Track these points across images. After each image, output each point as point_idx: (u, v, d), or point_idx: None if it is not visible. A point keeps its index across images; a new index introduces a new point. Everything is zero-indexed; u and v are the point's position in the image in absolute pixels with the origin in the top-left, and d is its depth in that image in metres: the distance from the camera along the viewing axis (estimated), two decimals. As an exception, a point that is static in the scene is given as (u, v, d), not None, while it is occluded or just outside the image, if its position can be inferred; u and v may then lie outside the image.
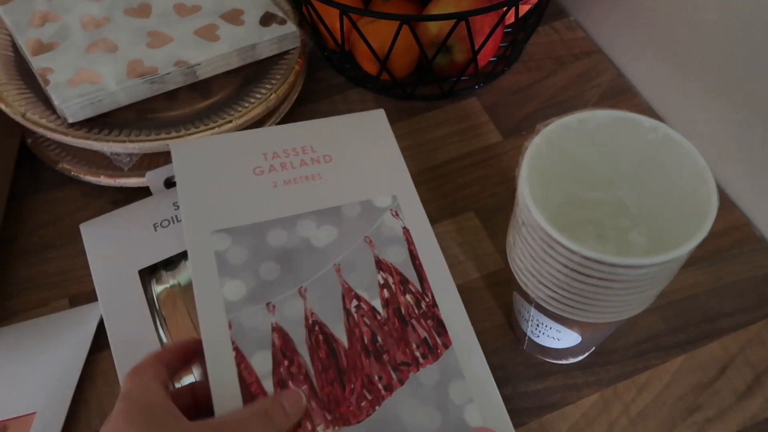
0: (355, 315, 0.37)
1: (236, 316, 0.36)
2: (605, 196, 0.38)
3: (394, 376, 0.36)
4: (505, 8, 0.49)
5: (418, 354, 0.36)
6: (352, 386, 0.35)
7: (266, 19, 0.56)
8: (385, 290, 0.37)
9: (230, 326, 0.36)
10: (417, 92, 0.60)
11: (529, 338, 0.43)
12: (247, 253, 0.38)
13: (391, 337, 0.36)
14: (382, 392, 0.35)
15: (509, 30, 0.62)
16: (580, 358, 0.45)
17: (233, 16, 0.56)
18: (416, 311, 0.37)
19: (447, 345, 0.37)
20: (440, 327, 0.37)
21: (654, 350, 0.46)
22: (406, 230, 0.40)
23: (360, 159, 0.43)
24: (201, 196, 0.40)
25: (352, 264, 0.39)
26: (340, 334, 0.36)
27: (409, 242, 0.39)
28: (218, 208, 0.39)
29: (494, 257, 0.49)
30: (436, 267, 0.39)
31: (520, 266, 0.36)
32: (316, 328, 0.36)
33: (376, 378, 0.35)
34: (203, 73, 0.53)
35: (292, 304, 0.37)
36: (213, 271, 0.37)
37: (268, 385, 0.35)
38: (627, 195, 0.37)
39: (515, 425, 0.41)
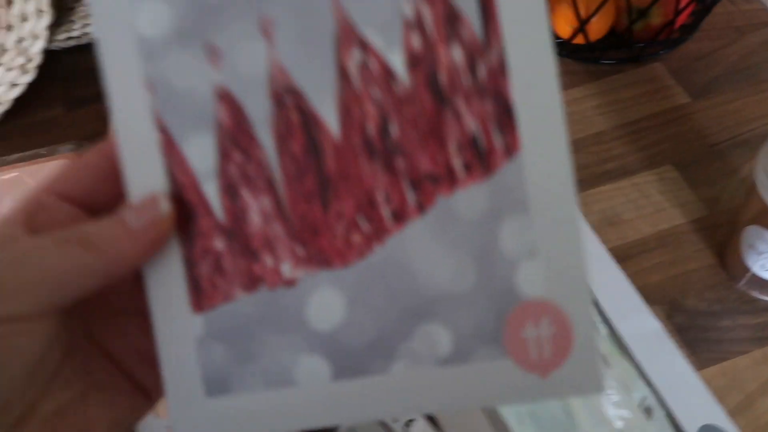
0: (357, 79, 0.20)
1: (158, 68, 0.20)
2: None
3: (410, 197, 0.20)
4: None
5: (457, 162, 0.20)
6: (341, 207, 0.20)
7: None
8: (414, 34, 0.20)
9: (150, 87, 0.20)
10: (603, 56, 0.57)
11: (753, 274, 0.41)
12: None
13: (415, 128, 0.20)
14: (388, 222, 0.20)
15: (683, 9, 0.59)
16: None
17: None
18: (467, 81, 0.19)
19: (511, 150, 0.19)
20: (506, 116, 0.19)
21: None
22: None
23: None
24: None
25: None
26: (328, 114, 0.20)
27: None
28: None
29: (697, 205, 0.47)
30: None
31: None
32: (289, 98, 0.20)
33: (381, 197, 0.20)
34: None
35: (249, 50, 0.20)
36: None
37: (212, 190, 0.20)
38: None
39: (736, 353, 0.40)
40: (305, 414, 0.21)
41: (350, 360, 0.20)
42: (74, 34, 0.59)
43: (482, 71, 0.19)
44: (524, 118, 0.19)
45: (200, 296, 0.21)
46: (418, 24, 0.19)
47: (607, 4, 0.51)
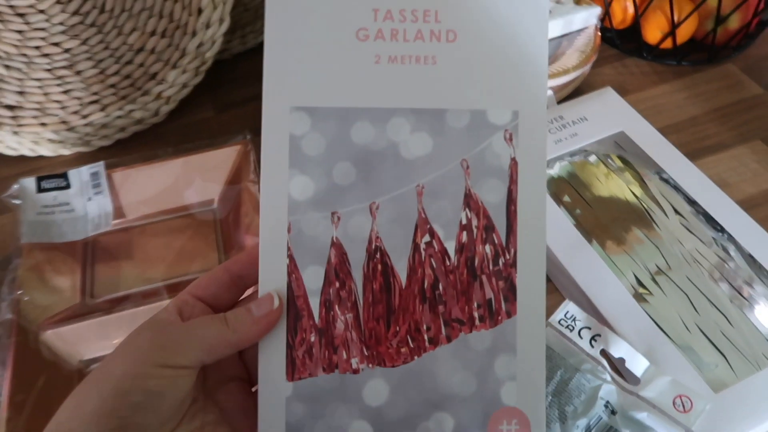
0: (423, 253, 0.30)
1: (297, 220, 0.30)
2: None
3: (443, 330, 0.30)
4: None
5: (476, 315, 0.30)
6: (398, 329, 0.30)
7: (577, 1, 0.62)
8: (464, 233, 0.30)
9: (289, 230, 0.30)
10: (684, 58, 0.66)
11: None
12: (325, 145, 0.30)
13: (454, 289, 0.30)
14: (426, 344, 0.30)
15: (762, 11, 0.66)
16: None
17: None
18: (490, 267, 0.30)
19: (510, 314, 0.30)
20: (510, 292, 0.30)
21: None
22: (514, 162, 0.29)
23: (490, 47, 0.30)
24: (290, 57, 0.29)
25: (438, 190, 0.30)
26: (401, 270, 0.30)
27: (512, 179, 0.29)
28: (306, 78, 0.29)
29: None
30: (531, 220, 0.30)
31: None
32: (378, 255, 0.30)
33: (424, 327, 0.30)
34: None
35: (359, 221, 0.30)
36: (284, 159, 0.29)
37: (315, 303, 0.30)
38: None
39: None
40: None
41: (386, 428, 0.30)
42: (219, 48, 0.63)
43: (501, 263, 0.30)
44: (521, 296, 0.30)
45: (294, 370, 0.30)
46: (468, 228, 0.30)
47: (694, 12, 0.61)
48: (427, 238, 0.30)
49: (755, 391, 0.40)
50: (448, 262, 0.30)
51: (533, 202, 0.30)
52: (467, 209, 0.30)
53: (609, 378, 0.40)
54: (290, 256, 0.30)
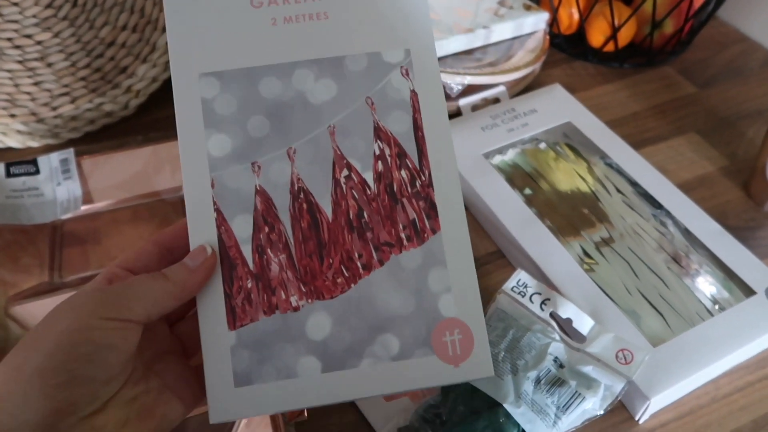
0: (344, 186, 0.31)
1: (220, 175, 0.30)
2: None
3: (374, 255, 0.30)
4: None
5: (403, 236, 0.31)
6: (331, 261, 0.30)
7: (527, 7, 0.66)
8: (379, 162, 0.31)
9: (213, 185, 0.30)
10: (626, 61, 0.70)
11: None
12: (236, 104, 0.31)
13: (378, 215, 0.31)
14: (360, 271, 0.30)
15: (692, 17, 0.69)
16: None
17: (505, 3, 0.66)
18: (409, 190, 0.31)
19: (435, 230, 0.30)
20: (431, 210, 0.31)
21: None
22: (414, 94, 0.31)
23: None
24: (191, 29, 0.31)
25: (349, 128, 0.31)
26: (326, 205, 0.31)
27: (415, 109, 0.31)
28: (209, 47, 0.31)
29: (720, 158, 0.58)
30: (439, 142, 0.31)
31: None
32: (301, 195, 0.31)
33: (356, 255, 0.30)
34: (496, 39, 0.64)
35: (279, 167, 0.31)
36: (199, 122, 0.30)
37: (247, 250, 0.30)
38: None
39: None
40: (304, 397, 0.29)
41: (334, 359, 0.29)
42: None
43: (418, 184, 0.31)
44: (442, 212, 0.30)
45: (234, 318, 0.29)
46: (382, 157, 0.31)
47: (632, 16, 0.65)
48: (345, 172, 0.31)
49: (689, 344, 0.41)
50: (368, 192, 0.31)
51: (438, 126, 0.31)
52: (378, 141, 0.31)
53: (558, 337, 0.43)
54: (217, 210, 0.30)
